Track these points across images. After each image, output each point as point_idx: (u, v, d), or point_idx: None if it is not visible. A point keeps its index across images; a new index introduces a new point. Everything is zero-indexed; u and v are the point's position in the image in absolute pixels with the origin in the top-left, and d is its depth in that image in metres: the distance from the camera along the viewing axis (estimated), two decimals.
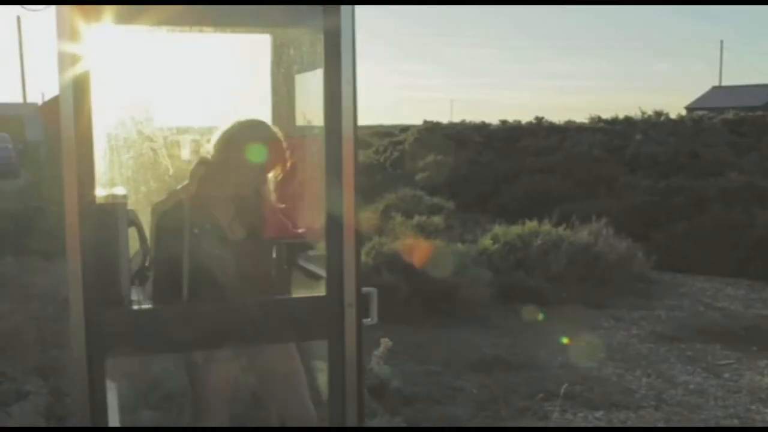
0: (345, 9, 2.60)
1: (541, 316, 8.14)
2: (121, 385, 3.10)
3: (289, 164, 3.22)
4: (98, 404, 2.47)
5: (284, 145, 3.19)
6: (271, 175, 3.25)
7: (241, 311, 2.76)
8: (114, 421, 2.69)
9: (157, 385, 4.40)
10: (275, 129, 3.23)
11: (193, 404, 3.50)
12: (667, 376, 6.42)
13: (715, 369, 6.65)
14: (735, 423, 5.40)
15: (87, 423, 2.45)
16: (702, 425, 5.34)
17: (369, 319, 2.84)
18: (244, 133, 3.16)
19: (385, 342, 5.47)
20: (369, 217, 12.08)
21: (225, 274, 3.13)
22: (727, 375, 6.49)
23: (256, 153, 3.12)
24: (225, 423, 3.49)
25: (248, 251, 3.22)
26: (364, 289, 2.80)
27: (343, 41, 2.62)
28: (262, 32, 3.43)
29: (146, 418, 4.06)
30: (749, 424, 5.38)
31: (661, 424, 5.34)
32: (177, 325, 2.64)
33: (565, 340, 7.29)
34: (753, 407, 5.70)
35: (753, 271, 11.07)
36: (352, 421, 2.78)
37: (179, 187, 3.12)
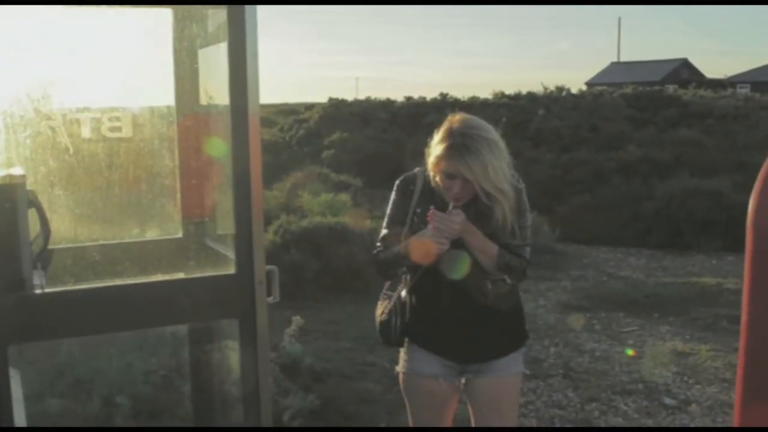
0: None
1: None
2: (25, 372, 3.00)
3: None
4: (2, 394, 2.38)
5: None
6: None
7: (148, 292, 2.69)
8: (19, 411, 2.60)
9: (63, 372, 4.28)
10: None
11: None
12: (573, 345, 6.57)
13: (620, 336, 6.84)
14: (639, 387, 5.55)
15: None
16: (610, 392, 5.48)
17: (271, 298, 2.79)
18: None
19: (297, 320, 5.44)
20: (276, 195, 11.98)
21: None
22: (630, 341, 6.68)
23: None
24: None
25: None
26: (267, 267, 2.76)
27: (247, 13, 2.58)
28: (163, 6, 3.34)
29: (54, 407, 3.94)
30: (652, 387, 5.54)
31: (569, 392, 5.46)
32: (82, 308, 2.56)
33: None
34: (656, 371, 5.88)
35: (653, 240, 11.45)
36: (266, 399, 2.75)
37: None
